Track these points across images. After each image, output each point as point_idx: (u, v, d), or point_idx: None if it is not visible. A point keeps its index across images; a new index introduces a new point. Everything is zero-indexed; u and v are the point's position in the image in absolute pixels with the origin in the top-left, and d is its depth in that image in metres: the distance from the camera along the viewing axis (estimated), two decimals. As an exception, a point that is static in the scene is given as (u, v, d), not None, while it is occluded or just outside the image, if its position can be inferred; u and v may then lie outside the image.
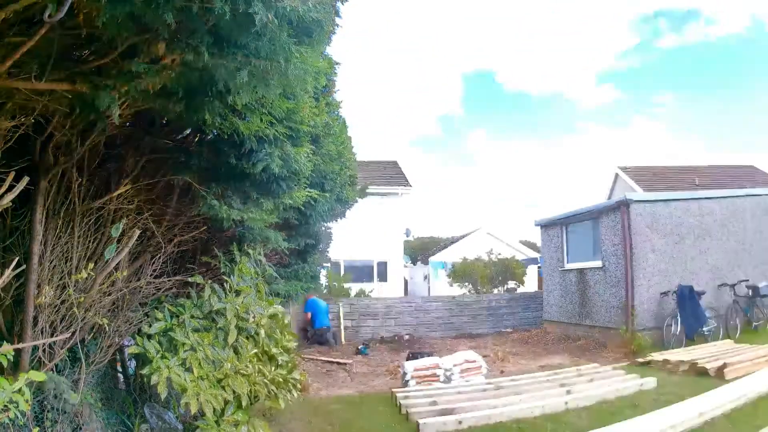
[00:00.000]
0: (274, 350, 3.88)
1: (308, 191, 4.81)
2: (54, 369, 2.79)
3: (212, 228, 4.04)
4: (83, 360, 2.94)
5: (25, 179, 2.39)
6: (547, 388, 5.66)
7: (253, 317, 3.74)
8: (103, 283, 3.04)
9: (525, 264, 16.54)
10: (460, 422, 4.54)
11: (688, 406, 4.54)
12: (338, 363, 8.77)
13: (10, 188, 2.29)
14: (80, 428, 2.85)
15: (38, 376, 2.05)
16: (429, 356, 8.20)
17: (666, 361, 6.50)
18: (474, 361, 6.98)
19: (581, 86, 66.51)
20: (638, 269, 8.57)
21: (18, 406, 1.94)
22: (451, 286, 16.14)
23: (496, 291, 14.42)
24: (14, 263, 2.23)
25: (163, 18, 1.79)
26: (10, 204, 2.35)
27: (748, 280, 8.88)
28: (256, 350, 3.71)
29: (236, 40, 2.03)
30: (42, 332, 2.69)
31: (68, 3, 1.72)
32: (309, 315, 10.55)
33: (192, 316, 3.42)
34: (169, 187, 3.62)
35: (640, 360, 7.01)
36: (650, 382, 5.61)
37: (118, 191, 3.16)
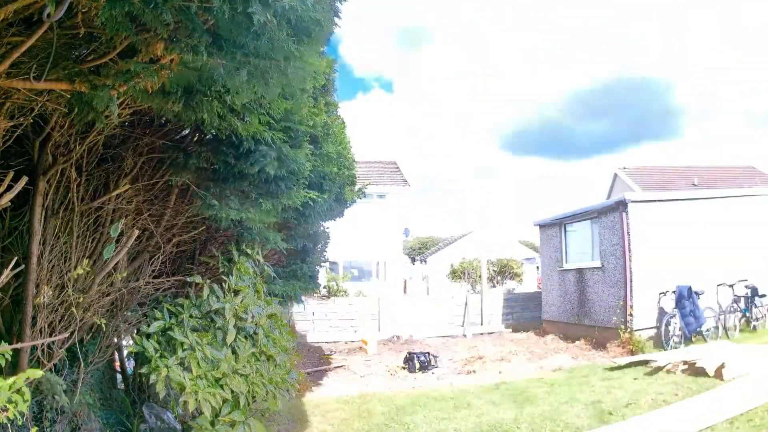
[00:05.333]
0: (272, 350, 3.89)
1: (307, 191, 4.80)
2: (53, 369, 2.79)
3: (211, 228, 4.04)
4: (82, 360, 2.94)
5: (24, 179, 2.39)
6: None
7: (252, 317, 3.74)
8: (102, 284, 3.04)
9: (523, 263, 16.54)
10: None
11: (687, 407, 4.55)
12: (336, 366, 8.76)
13: (9, 188, 2.29)
14: (79, 428, 2.85)
15: (35, 373, 2.05)
16: (427, 356, 8.22)
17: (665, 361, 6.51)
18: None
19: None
20: (637, 269, 8.57)
21: (17, 406, 1.94)
22: (451, 286, 16.16)
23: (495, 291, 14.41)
24: (13, 263, 2.23)
25: (162, 17, 1.78)
26: (9, 204, 2.35)
27: (746, 280, 8.89)
28: (254, 350, 3.71)
29: (235, 39, 2.02)
30: (41, 332, 2.69)
31: (67, 2, 1.72)
32: None
33: (191, 316, 3.42)
34: (168, 187, 3.61)
35: (639, 359, 7.02)
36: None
37: (117, 191, 3.16)
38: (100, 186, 3.19)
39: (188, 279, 3.63)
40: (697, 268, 8.89)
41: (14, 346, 2.35)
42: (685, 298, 8.06)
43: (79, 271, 2.74)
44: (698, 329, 8.12)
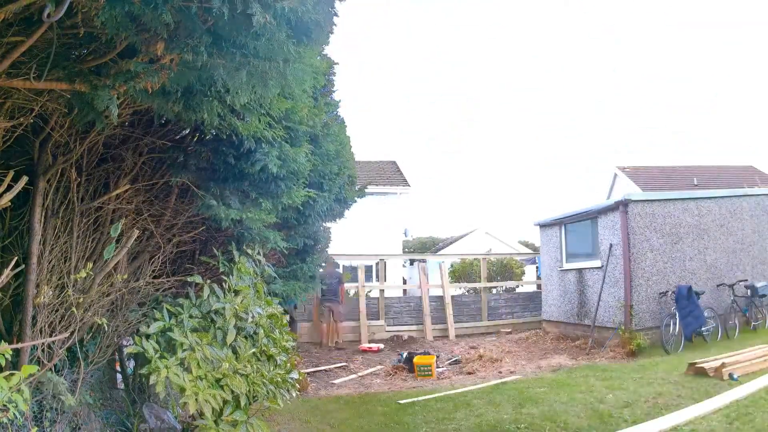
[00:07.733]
0: (272, 350, 3.89)
1: (307, 191, 4.81)
2: (53, 369, 2.79)
3: (211, 228, 4.04)
4: (82, 360, 2.94)
5: (24, 179, 2.40)
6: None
7: (252, 317, 3.74)
8: (102, 284, 3.04)
9: (524, 263, 16.53)
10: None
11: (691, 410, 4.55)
12: (337, 367, 8.77)
13: (9, 188, 2.30)
14: (79, 428, 2.85)
15: (30, 369, 2.05)
16: (427, 355, 8.22)
17: (664, 362, 6.51)
18: None
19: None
20: (637, 269, 8.57)
21: (17, 406, 1.94)
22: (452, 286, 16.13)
23: (494, 291, 14.40)
24: (13, 263, 2.23)
25: (162, 18, 1.79)
26: (9, 204, 2.35)
27: (746, 280, 8.89)
28: (254, 350, 3.71)
29: (235, 40, 2.03)
30: (41, 332, 2.69)
31: (67, 2, 1.72)
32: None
33: (191, 316, 3.41)
34: (168, 187, 3.62)
35: (639, 359, 7.02)
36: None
37: (117, 191, 3.16)
38: (100, 186, 3.20)
39: (188, 279, 3.62)
40: (697, 268, 8.90)
41: (14, 346, 2.35)
42: (685, 298, 8.06)
43: (82, 274, 2.74)
44: (698, 329, 8.12)
